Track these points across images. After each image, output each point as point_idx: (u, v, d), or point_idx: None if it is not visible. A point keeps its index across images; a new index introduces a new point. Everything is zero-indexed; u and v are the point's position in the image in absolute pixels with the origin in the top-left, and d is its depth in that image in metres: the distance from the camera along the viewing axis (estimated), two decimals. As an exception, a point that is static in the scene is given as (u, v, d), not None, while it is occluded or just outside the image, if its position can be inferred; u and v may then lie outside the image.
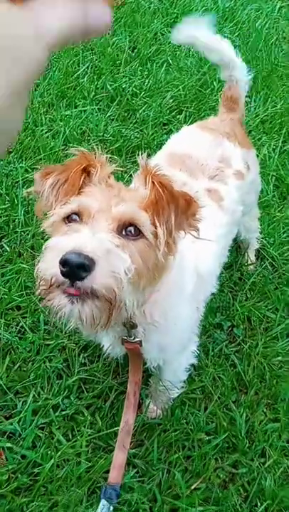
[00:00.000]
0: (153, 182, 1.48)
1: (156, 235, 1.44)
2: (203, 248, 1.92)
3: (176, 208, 1.46)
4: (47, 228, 1.57)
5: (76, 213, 1.44)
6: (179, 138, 2.40)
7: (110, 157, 1.66)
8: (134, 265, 1.36)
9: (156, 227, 1.44)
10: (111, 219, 1.39)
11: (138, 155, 1.63)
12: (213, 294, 2.20)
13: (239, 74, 2.46)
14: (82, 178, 1.53)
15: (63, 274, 1.24)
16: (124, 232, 1.41)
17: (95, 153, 1.62)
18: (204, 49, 2.47)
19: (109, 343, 1.90)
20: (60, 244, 1.28)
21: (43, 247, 1.39)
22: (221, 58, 2.48)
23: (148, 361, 1.98)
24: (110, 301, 1.30)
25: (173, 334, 1.85)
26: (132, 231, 1.42)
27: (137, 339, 1.80)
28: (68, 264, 1.21)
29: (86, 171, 1.58)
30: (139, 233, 1.43)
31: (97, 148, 1.64)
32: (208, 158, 2.16)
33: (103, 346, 1.97)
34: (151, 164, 1.55)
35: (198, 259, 1.90)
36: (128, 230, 1.42)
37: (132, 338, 1.80)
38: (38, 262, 1.35)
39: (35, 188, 1.61)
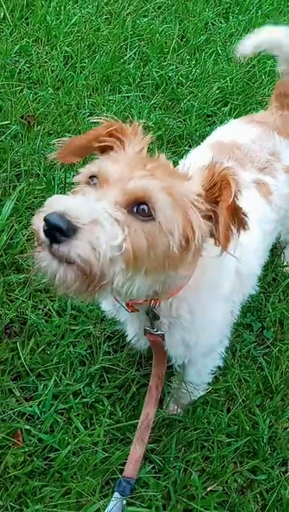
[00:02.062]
0: (232, 187, 1.38)
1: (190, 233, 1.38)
2: (247, 247, 1.84)
3: (238, 220, 1.41)
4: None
5: (96, 177, 1.38)
6: (226, 129, 2.32)
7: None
8: (131, 246, 1.28)
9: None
10: (124, 191, 1.31)
11: (180, 145, 1.57)
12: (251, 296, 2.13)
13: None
14: (103, 134, 1.51)
15: (44, 232, 1.21)
16: (136, 210, 1.32)
17: (131, 124, 1.58)
18: (267, 46, 2.37)
19: (134, 333, 1.85)
20: (55, 202, 1.25)
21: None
22: (281, 51, 2.38)
23: (173, 358, 1.92)
24: (85, 272, 1.24)
25: (200, 333, 1.77)
26: (146, 210, 1.32)
27: (160, 332, 1.74)
28: (47, 224, 1.18)
29: (120, 140, 1.53)
30: (150, 214, 1.32)
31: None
32: (258, 151, 2.07)
33: (127, 335, 1.92)
34: (224, 167, 1.44)
35: (240, 259, 1.81)
36: (141, 208, 1.32)
37: (155, 330, 1.74)
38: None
39: None
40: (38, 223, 1.25)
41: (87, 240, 1.20)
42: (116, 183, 1.32)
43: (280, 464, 2.27)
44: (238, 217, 1.38)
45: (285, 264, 3.01)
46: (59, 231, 1.18)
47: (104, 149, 1.57)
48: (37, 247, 1.28)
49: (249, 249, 1.91)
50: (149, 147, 1.58)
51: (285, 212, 2.20)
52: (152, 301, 1.60)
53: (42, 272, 1.27)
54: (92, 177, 1.40)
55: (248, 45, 2.25)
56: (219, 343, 2.01)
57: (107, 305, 1.91)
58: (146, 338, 1.79)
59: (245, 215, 1.39)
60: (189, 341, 1.77)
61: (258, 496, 2.17)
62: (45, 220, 1.19)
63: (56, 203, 1.23)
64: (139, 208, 1.32)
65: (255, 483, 2.21)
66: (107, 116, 1.61)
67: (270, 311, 2.77)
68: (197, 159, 1.78)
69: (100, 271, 1.24)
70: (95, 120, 1.62)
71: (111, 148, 1.55)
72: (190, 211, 1.38)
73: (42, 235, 1.22)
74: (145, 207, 1.32)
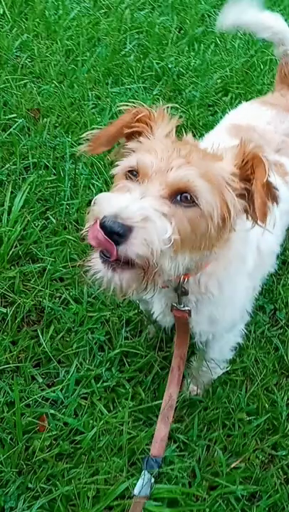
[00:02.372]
0: (265, 164, 1.44)
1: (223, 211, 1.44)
2: (267, 226, 1.88)
3: (271, 196, 1.46)
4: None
5: (135, 170, 1.43)
6: (240, 112, 2.36)
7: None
8: (178, 234, 1.34)
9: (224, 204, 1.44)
10: (165, 183, 1.36)
11: (184, 134, 1.62)
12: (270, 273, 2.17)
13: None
14: (131, 121, 1.55)
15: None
16: (178, 197, 1.38)
17: (156, 107, 1.61)
18: (254, 28, 2.41)
19: (160, 310, 1.88)
20: (105, 202, 1.30)
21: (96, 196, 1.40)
22: (273, 34, 2.43)
23: (197, 335, 1.96)
24: (144, 268, 1.31)
25: (226, 308, 1.82)
26: (188, 197, 1.39)
27: (187, 308, 1.78)
28: (105, 230, 1.24)
29: (147, 124, 1.56)
30: (193, 201, 1.39)
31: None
32: (273, 132, 2.12)
33: (153, 313, 1.95)
34: (254, 145, 1.50)
35: (261, 238, 1.86)
36: (183, 195, 1.39)
37: (182, 306, 1.78)
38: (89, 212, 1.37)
39: None
40: (93, 234, 1.28)
41: (142, 238, 1.26)
42: (156, 176, 1.38)
43: (299, 440, 2.32)
44: (271, 192, 1.43)
45: (294, 247, 3.05)
46: (116, 234, 1.23)
47: (131, 135, 1.61)
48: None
49: (268, 228, 1.95)
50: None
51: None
52: (182, 277, 1.64)
53: (99, 281, 1.34)
54: (130, 171, 1.45)
55: (230, 20, 2.30)
56: (241, 319, 2.06)
57: None
58: (173, 314, 1.82)
59: (276, 189, 1.43)
60: (216, 316, 1.81)
61: (280, 471, 2.22)
62: (102, 226, 1.24)
63: (106, 205, 1.28)
64: (181, 196, 1.39)
65: (276, 459, 2.26)
66: (133, 103, 1.65)
67: (282, 293, 2.82)
68: (215, 143, 1.83)
69: (155, 264, 1.31)
70: (121, 108, 1.65)
71: (139, 133, 1.59)
72: (225, 191, 1.44)
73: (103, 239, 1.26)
74: (187, 195, 1.39)
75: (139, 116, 1.56)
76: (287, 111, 2.25)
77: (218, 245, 1.54)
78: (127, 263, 1.30)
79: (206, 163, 1.45)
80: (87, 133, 1.64)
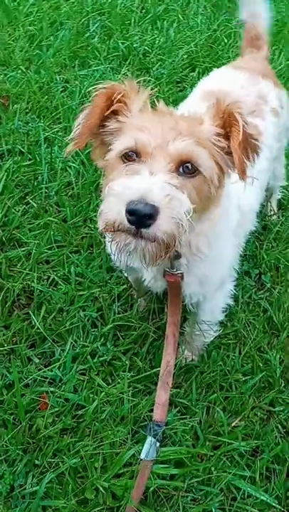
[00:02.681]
0: (239, 122, 1.48)
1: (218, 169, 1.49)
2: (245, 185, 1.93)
3: (251, 148, 1.50)
4: (101, 164, 1.60)
5: (133, 151, 1.46)
6: (213, 78, 2.39)
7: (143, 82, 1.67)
8: (192, 204, 1.40)
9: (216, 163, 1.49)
10: (169, 157, 1.41)
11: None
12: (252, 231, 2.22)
13: (261, 8, 2.45)
14: (107, 103, 1.54)
15: (130, 221, 1.31)
16: (181, 169, 1.44)
17: (126, 83, 1.61)
18: None
19: (152, 276, 1.91)
20: (125, 190, 1.33)
21: (106, 188, 1.42)
22: None
23: (187, 297, 2.00)
24: (170, 245, 1.37)
25: (216, 265, 1.87)
26: (190, 167, 1.45)
27: (179, 271, 1.82)
28: (136, 215, 1.28)
29: (122, 102, 1.57)
30: (195, 170, 1.46)
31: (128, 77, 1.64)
32: (245, 95, 2.15)
33: (144, 280, 1.98)
34: (228, 102, 1.54)
35: (241, 196, 1.90)
36: (185, 166, 1.45)
37: (175, 270, 1.81)
38: (101, 202, 1.42)
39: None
40: (117, 216, 1.34)
41: (170, 216, 1.31)
42: (158, 152, 1.41)
43: (295, 395, 2.39)
44: (250, 145, 1.47)
45: (272, 213, 3.12)
46: (148, 217, 1.28)
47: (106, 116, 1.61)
48: (113, 234, 1.39)
49: (248, 188, 1.99)
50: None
51: (275, 152, 2.30)
52: None
53: (131, 254, 1.40)
54: (126, 153, 1.48)
55: None
56: (229, 277, 2.11)
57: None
58: (165, 280, 1.85)
59: (256, 140, 1.47)
60: (206, 275, 1.85)
61: (279, 425, 2.28)
62: (133, 211, 1.28)
63: (129, 192, 1.31)
64: (184, 167, 1.45)
65: (274, 414, 2.32)
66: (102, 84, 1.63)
67: (265, 257, 2.87)
68: (191, 110, 1.86)
69: (180, 238, 1.38)
70: (93, 90, 1.64)
71: (114, 112, 1.58)
72: (215, 153, 1.50)
73: (126, 224, 1.32)
74: (189, 165, 1.45)
75: (115, 96, 1.55)
76: (258, 73, 2.29)
77: (216, 204, 1.60)
78: (154, 241, 1.35)
79: (194, 130, 1.49)
80: (70, 136, 1.59)
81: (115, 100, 1.56)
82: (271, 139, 2.19)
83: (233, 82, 2.25)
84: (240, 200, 1.92)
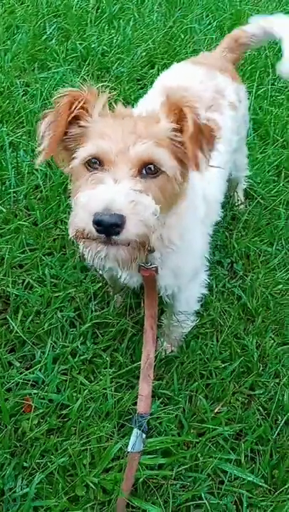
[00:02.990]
0: (190, 114, 1.51)
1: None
2: (209, 177, 1.98)
3: (206, 140, 1.52)
4: (66, 171, 1.62)
5: (96, 158, 1.50)
6: (172, 73, 2.43)
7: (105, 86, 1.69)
8: (158, 203, 1.46)
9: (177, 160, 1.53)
10: (131, 162, 1.46)
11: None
12: (218, 222, 2.27)
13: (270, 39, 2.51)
14: (70, 112, 1.56)
15: (98, 231, 1.37)
16: (144, 172, 1.49)
17: (85, 88, 1.63)
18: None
19: (127, 272, 1.94)
20: (90, 201, 1.39)
21: (74, 198, 1.49)
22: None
23: (163, 289, 2.04)
24: (143, 244, 1.45)
25: (188, 256, 1.92)
26: (152, 168, 1.50)
27: (154, 265, 1.85)
28: (102, 225, 1.35)
29: (82, 107, 1.59)
30: (158, 170, 1.51)
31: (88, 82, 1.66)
32: (203, 90, 2.20)
33: (120, 276, 2.01)
34: (178, 96, 1.58)
35: (205, 188, 1.95)
36: (148, 168, 1.49)
37: (149, 264, 1.85)
38: (71, 205, 1.50)
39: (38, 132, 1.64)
40: (85, 226, 1.40)
41: (137, 220, 1.38)
42: (120, 158, 1.46)
43: (273, 377, 2.45)
44: (204, 138, 1.51)
45: (239, 202, 3.18)
46: (114, 226, 1.34)
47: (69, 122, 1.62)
48: (84, 242, 1.46)
49: (210, 179, 2.05)
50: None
51: (235, 145, 2.36)
52: None
53: (104, 261, 1.47)
54: (89, 160, 1.52)
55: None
56: (202, 266, 2.17)
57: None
58: (141, 275, 1.88)
59: (212, 132, 1.51)
60: (179, 266, 1.90)
61: (261, 408, 2.34)
62: (99, 222, 1.34)
63: (95, 204, 1.37)
64: (146, 169, 1.49)
65: (255, 398, 2.38)
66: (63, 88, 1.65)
67: (236, 246, 2.94)
68: (149, 107, 1.90)
69: (152, 238, 1.45)
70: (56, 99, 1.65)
71: (76, 117, 1.60)
72: (175, 149, 1.54)
73: (95, 234, 1.38)
74: (151, 166, 1.50)
75: (76, 104, 1.57)
76: (216, 68, 2.34)
77: (182, 199, 1.64)
78: (127, 244, 1.42)
79: (152, 130, 1.53)
80: (38, 148, 1.61)
81: (75, 107, 1.58)
82: (230, 132, 2.24)
83: (190, 77, 2.30)
84: (205, 191, 1.97)
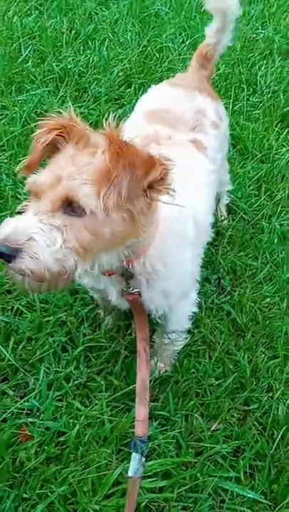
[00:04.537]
0: (107, 152, 1.45)
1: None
2: (198, 199, 2.02)
3: (130, 178, 1.44)
4: None
5: (33, 188, 1.55)
6: (152, 96, 2.47)
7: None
8: (77, 242, 1.48)
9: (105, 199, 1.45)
10: (56, 197, 1.48)
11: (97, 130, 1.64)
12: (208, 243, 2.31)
13: (227, 34, 2.55)
14: (43, 141, 1.60)
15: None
16: (69, 208, 1.49)
17: (65, 114, 1.63)
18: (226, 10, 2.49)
19: (116, 294, 1.95)
20: (1, 229, 1.47)
21: None
22: (228, 17, 2.51)
23: (153, 311, 2.05)
24: (40, 279, 1.48)
25: (176, 280, 1.94)
26: (77, 207, 1.48)
27: (136, 290, 1.88)
28: None
29: (62, 133, 1.60)
30: (82, 210, 1.48)
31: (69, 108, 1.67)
32: (185, 112, 2.24)
33: (111, 299, 2.01)
34: (114, 131, 1.52)
35: (195, 210, 1.98)
36: (73, 205, 1.48)
37: (131, 289, 1.87)
38: None
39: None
40: None
41: (28, 255, 1.43)
42: (48, 192, 1.50)
43: (266, 391, 2.48)
44: (132, 174, 1.45)
45: (222, 218, 3.23)
46: (6, 255, 1.42)
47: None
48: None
49: (199, 201, 2.08)
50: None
51: (219, 162, 2.41)
52: (125, 263, 1.75)
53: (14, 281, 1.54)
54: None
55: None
56: (192, 287, 2.19)
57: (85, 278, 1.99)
58: (125, 298, 1.90)
59: (163, 167, 1.52)
60: (168, 289, 1.93)
61: (256, 423, 2.37)
62: None
63: (1, 230, 1.46)
64: (71, 206, 1.49)
65: (250, 413, 2.40)
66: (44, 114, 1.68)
67: (222, 262, 2.98)
68: (134, 129, 1.93)
69: (50, 273, 1.47)
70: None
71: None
72: (123, 186, 1.43)
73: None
74: (76, 204, 1.48)
75: (53, 132, 1.59)
76: (194, 89, 2.38)
77: (144, 231, 1.61)
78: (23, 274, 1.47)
79: (89, 165, 1.49)
80: (18, 166, 1.67)
81: (51, 135, 1.60)
82: (214, 151, 2.28)
83: (171, 98, 2.33)
84: (196, 215, 1.99)
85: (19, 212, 1.56)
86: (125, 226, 1.54)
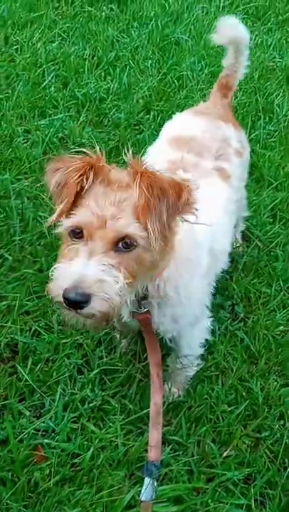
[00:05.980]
0: (140, 185, 1.55)
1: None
2: (218, 228, 2.08)
3: (167, 204, 1.56)
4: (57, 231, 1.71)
5: (78, 228, 1.60)
6: (177, 123, 2.55)
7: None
8: (130, 276, 1.58)
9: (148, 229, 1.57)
10: (106, 237, 1.55)
11: (117, 155, 1.69)
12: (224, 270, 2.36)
13: (244, 62, 2.65)
14: (79, 184, 1.62)
15: (67, 305, 1.51)
16: (121, 245, 1.58)
17: (96, 152, 1.70)
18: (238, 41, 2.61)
19: (128, 314, 2.00)
20: (61, 277, 1.53)
21: (53, 266, 1.61)
22: (241, 45, 2.64)
23: (162, 333, 2.11)
24: (106, 317, 1.58)
25: (185, 307, 2.01)
26: (128, 243, 1.58)
27: (145, 309, 1.95)
28: (69, 302, 1.49)
29: (91, 170, 1.64)
30: (132, 244, 1.58)
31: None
32: (210, 140, 2.31)
33: (123, 317, 2.06)
34: (137, 163, 1.61)
35: (214, 240, 2.04)
36: (124, 242, 1.57)
37: (142, 310, 1.94)
38: (50, 282, 1.60)
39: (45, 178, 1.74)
40: (58, 298, 1.54)
41: (101, 299, 1.50)
42: (97, 232, 1.55)
43: (278, 419, 2.51)
44: (167, 204, 1.57)
45: (237, 245, 3.28)
46: (79, 303, 1.47)
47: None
48: (61, 307, 1.58)
49: (219, 230, 2.14)
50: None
51: (243, 190, 2.48)
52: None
53: (73, 323, 1.63)
54: (73, 230, 1.61)
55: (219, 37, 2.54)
56: (202, 314, 2.25)
57: None
58: (135, 318, 1.98)
59: (187, 192, 1.61)
60: (176, 315, 2.01)
61: (267, 450, 2.39)
62: (65, 298, 1.48)
63: (65, 279, 1.50)
64: (123, 243, 1.58)
65: (261, 441, 2.43)
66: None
67: (236, 288, 3.02)
68: (159, 156, 2.01)
69: (117, 310, 1.57)
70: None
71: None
72: (155, 216, 1.55)
73: (65, 306, 1.51)
74: (126, 241, 1.58)
75: (82, 173, 1.62)
76: (218, 118, 2.47)
77: (168, 256, 1.74)
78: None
79: (128, 203, 1.58)
80: (51, 219, 1.68)
81: (85, 179, 1.62)
82: (237, 180, 2.36)
83: (195, 127, 2.41)
84: (213, 244, 2.05)
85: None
86: (162, 250, 1.65)
